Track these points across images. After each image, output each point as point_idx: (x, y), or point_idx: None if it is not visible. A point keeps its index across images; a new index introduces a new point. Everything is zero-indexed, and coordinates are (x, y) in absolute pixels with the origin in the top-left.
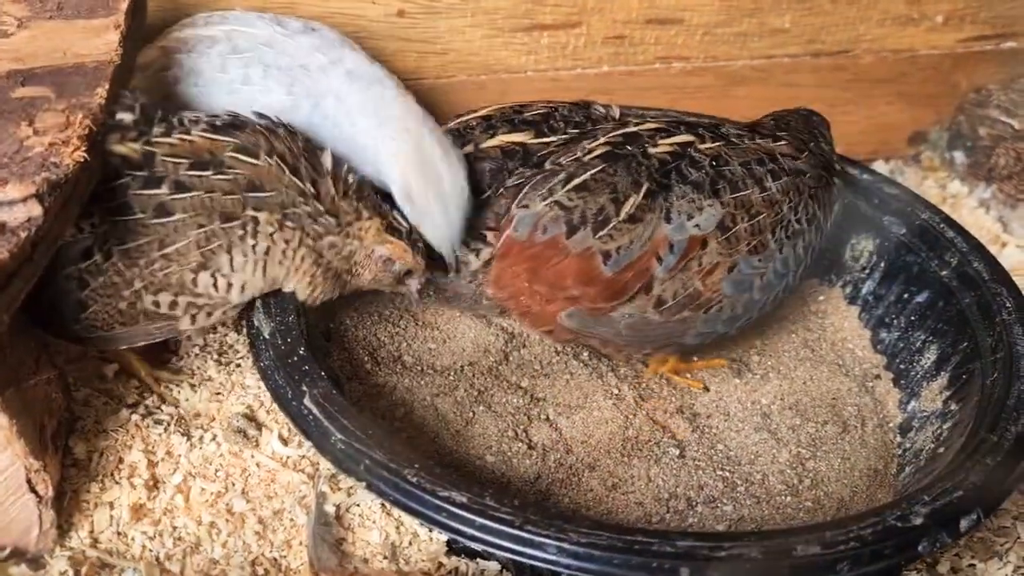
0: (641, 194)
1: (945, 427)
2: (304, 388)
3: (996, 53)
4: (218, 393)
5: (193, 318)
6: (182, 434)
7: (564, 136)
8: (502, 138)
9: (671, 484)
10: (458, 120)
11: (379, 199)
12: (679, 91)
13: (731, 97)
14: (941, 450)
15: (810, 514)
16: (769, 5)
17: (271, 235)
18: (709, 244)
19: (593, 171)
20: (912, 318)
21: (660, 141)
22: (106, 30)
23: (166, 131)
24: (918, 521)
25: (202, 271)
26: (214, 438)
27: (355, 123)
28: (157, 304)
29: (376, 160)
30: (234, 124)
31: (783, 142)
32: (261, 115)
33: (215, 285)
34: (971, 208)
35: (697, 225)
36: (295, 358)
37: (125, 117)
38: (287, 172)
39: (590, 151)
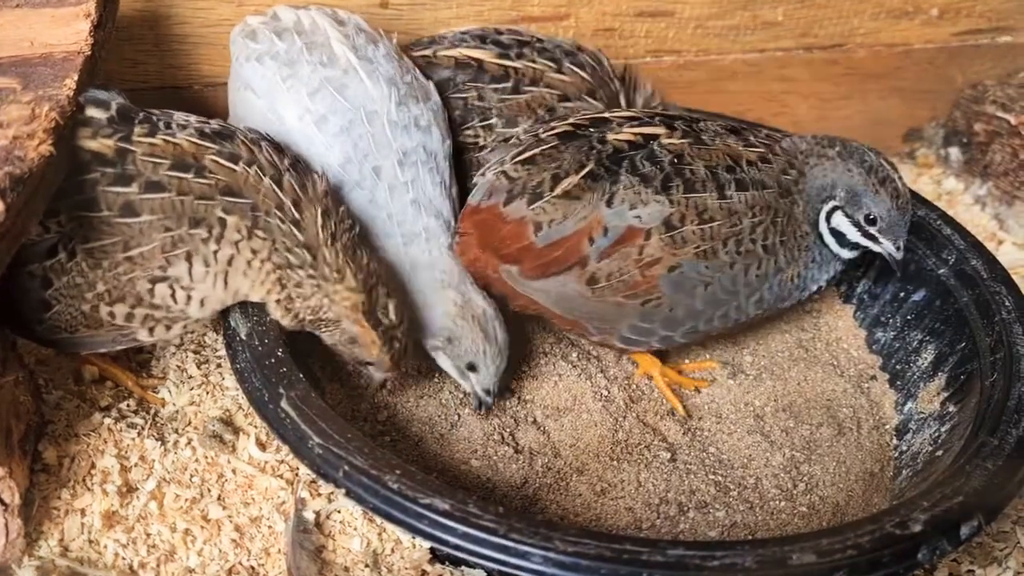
0: (581, 174)
1: (943, 430)
2: (281, 391)
3: (992, 47)
4: (195, 396)
5: (151, 330)
6: (156, 438)
7: (530, 65)
8: (460, 50)
9: (662, 489)
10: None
11: (376, 277)
12: (670, 85)
13: (723, 92)
14: (939, 453)
15: (805, 520)
16: None
17: (237, 243)
18: (652, 237)
19: (544, 147)
20: (908, 317)
21: (624, 129)
22: (76, 19)
23: (149, 131)
24: (917, 528)
25: (159, 282)
26: (189, 442)
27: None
28: (112, 315)
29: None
30: (222, 133)
31: (757, 148)
32: (251, 129)
33: (173, 296)
34: (967, 205)
35: (638, 216)
36: (272, 360)
37: (97, 114)
38: (265, 179)
39: (552, 129)
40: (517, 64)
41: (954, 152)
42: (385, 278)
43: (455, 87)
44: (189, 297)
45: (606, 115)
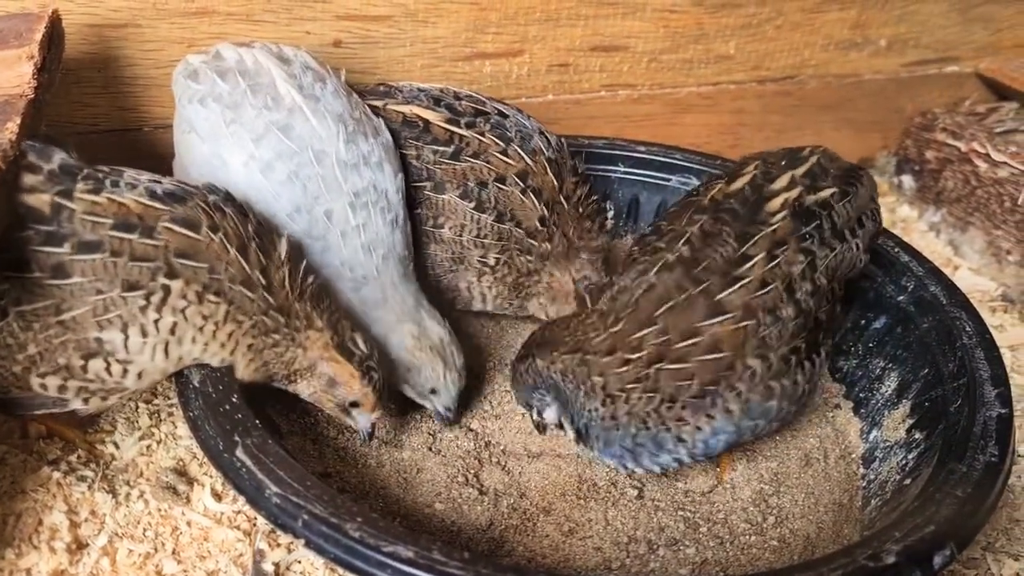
0: None
1: (910, 457)
2: (236, 438)
3: (940, 76)
4: (147, 445)
5: (86, 401)
6: (107, 491)
7: (477, 136)
8: (411, 107)
9: (630, 527)
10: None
11: (342, 316)
12: (625, 119)
13: (679, 124)
14: (907, 481)
15: (776, 554)
16: (714, 31)
17: (182, 310)
18: None
19: None
20: (870, 345)
21: None
22: (18, 62)
23: (94, 188)
24: (890, 560)
25: (92, 357)
26: (142, 495)
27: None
28: (44, 387)
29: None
30: (175, 194)
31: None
32: (212, 188)
33: (108, 370)
34: (921, 232)
35: None
36: (227, 406)
37: (37, 165)
38: (231, 250)
39: None
40: (464, 132)
41: (907, 180)
42: (347, 315)
43: (398, 143)
44: (125, 371)
45: None
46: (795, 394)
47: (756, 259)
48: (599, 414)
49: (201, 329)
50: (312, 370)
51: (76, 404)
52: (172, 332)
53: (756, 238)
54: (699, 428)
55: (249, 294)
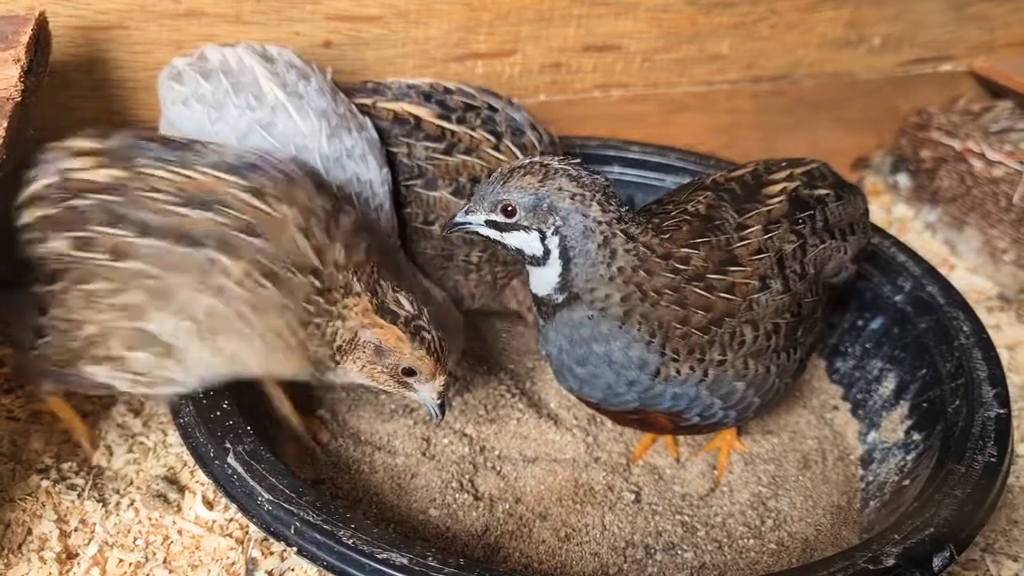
0: None
1: (909, 458)
2: (228, 445)
3: (935, 75)
4: (137, 454)
5: (132, 386)
6: (97, 500)
7: (468, 132)
8: (401, 105)
9: (627, 531)
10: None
11: (381, 276)
12: (619, 119)
13: (673, 124)
14: (906, 483)
15: (775, 557)
16: (708, 30)
17: (233, 296)
18: None
19: None
20: (867, 346)
21: None
22: (5, 64)
23: (161, 164)
24: (890, 562)
25: (142, 346)
26: (132, 503)
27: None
28: (96, 368)
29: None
30: (253, 164)
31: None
32: (297, 160)
33: (156, 359)
34: (918, 231)
35: None
36: (218, 413)
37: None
38: (294, 231)
39: None
40: (455, 128)
41: (902, 179)
42: (393, 275)
43: (388, 140)
44: (172, 358)
45: None
46: (763, 384)
47: (752, 228)
48: (611, 301)
49: (244, 318)
50: (356, 341)
51: (123, 388)
52: (216, 317)
53: (752, 213)
54: (678, 372)
55: (301, 279)
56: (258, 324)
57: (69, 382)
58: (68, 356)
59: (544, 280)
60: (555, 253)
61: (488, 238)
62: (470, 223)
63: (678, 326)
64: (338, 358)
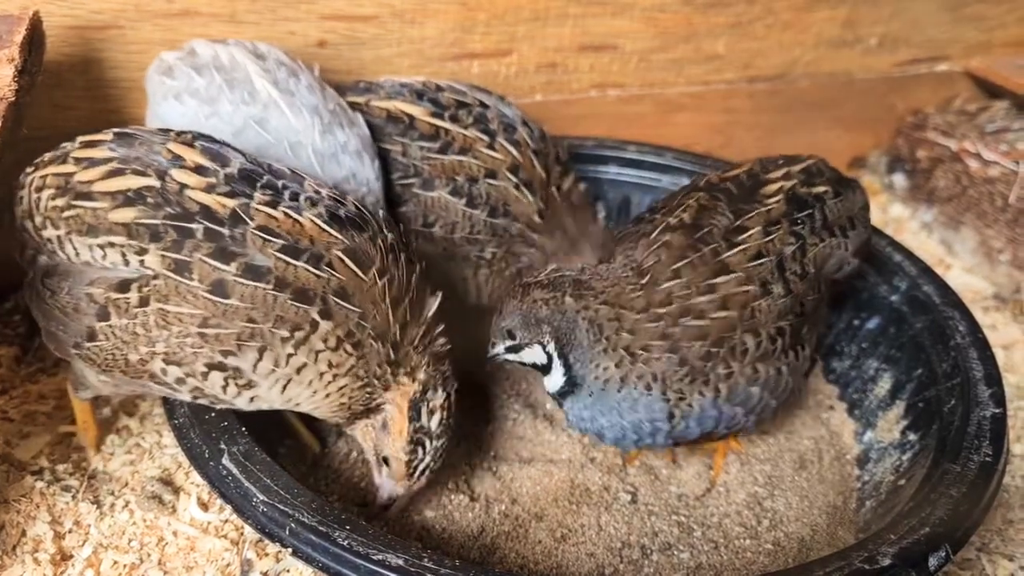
0: None
1: (904, 458)
2: (223, 446)
3: (931, 75)
4: (131, 455)
5: (194, 396)
6: (92, 501)
7: (461, 132)
8: (394, 103)
9: (624, 532)
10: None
11: (440, 379)
12: (616, 119)
13: (670, 124)
14: (902, 482)
15: (771, 557)
16: (704, 30)
17: (317, 352)
18: None
19: None
20: (863, 345)
21: None
22: None
23: (271, 200)
24: (886, 562)
25: (217, 371)
26: (127, 505)
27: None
28: (153, 380)
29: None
30: (355, 221)
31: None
32: (391, 224)
33: (225, 388)
34: (914, 231)
35: None
36: (212, 413)
37: (213, 167)
38: (387, 300)
39: None
40: (449, 126)
41: (899, 179)
42: (452, 383)
43: (382, 139)
44: (240, 393)
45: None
46: (777, 386)
47: (752, 231)
48: (608, 373)
49: (321, 376)
50: (379, 409)
51: (183, 395)
52: (298, 372)
53: (751, 214)
54: (690, 406)
55: (379, 348)
56: (332, 383)
57: (106, 387)
58: (121, 362)
59: (554, 382)
60: (555, 358)
61: (519, 362)
62: (499, 353)
63: (677, 369)
64: (361, 415)
